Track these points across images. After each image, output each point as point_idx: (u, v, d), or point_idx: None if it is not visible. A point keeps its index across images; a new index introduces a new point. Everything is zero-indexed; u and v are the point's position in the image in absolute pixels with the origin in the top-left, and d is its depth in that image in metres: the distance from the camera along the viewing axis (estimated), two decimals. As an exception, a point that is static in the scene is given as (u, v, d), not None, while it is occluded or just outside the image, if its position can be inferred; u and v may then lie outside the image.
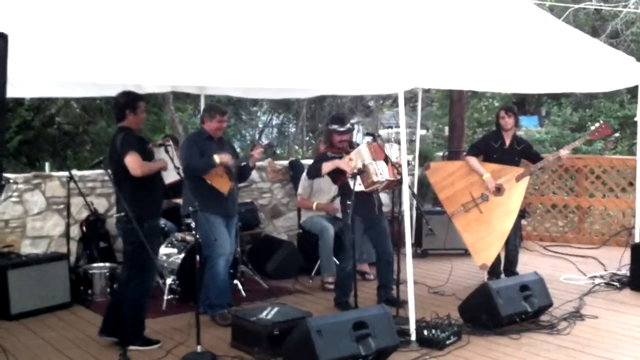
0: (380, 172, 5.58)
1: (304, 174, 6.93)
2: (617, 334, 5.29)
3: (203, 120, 5.81)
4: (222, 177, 5.60)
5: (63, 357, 4.97)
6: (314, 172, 5.91)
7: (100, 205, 7.16)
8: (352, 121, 6.02)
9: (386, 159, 5.62)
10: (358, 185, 5.49)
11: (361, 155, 5.62)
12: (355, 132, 6.24)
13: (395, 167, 5.52)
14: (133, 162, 4.78)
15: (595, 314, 5.76)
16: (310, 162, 6.67)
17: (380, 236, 5.98)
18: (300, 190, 7.18)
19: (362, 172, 5.56)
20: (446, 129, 11.93)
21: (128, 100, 4.98)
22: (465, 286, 6.50)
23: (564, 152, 6.39)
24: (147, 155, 4.95)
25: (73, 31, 4.01)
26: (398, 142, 5.35)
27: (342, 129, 5.84)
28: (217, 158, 5.48)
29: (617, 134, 13.91)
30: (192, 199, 5.04)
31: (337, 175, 5.83)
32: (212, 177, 5.56)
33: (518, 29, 6.34)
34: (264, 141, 12.97)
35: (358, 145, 5.92)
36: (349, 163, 5.62)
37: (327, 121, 6.14)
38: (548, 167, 7.47)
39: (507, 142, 6.57)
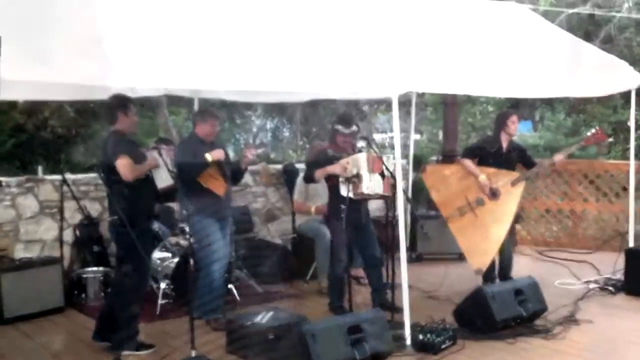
0: (372, 186, 5.54)
1: (299, 178, 6.92)
2: (612, 339, 5.30)
3: (195, 124, 5.79)
4: (217, 179, 5.59)
5: (56, 362, 4.95)
6: (308, 179, 5.90)
7: (94, 209, 7.14)
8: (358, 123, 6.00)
9: (382, 174, 5.60)
10: (348, 192, 5.47)
11: (358, 163, 5.57)
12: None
13: (392, 185, 5.48)
14: (124, 167, 4.77)
15: (590, 318, 5.76)
16: (303, 166, 6.65)
17: (367, 242, 5.94)
18: (296, 195, 7.16)
19: (354, 179, 5.53)
20: (440, 133, 11.93)
21: (119, 102, 4.99)
22: (460, 290, 6.48)
23: (559, 157, 6.39)
24: (138, 159, 4.93)
25: (66, 33, 4.00)
26: (392, 146, 5.35)
27: (346, 131, 5.81)
28: (208, 156, 5.46)
29: (610, 139, 13.94)
30: (186, 203, 5.01)
31: (329, 176, 5.81)
32: (206, 179, 5.53)
33: (512, 34, 6.36)
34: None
35: (360, 150, 5.89)
36: (345, 167, 5.60)
37: (334, 120, 6.09)
38: (542, 172, 7.46)
39: (504, 147, 6.54)
